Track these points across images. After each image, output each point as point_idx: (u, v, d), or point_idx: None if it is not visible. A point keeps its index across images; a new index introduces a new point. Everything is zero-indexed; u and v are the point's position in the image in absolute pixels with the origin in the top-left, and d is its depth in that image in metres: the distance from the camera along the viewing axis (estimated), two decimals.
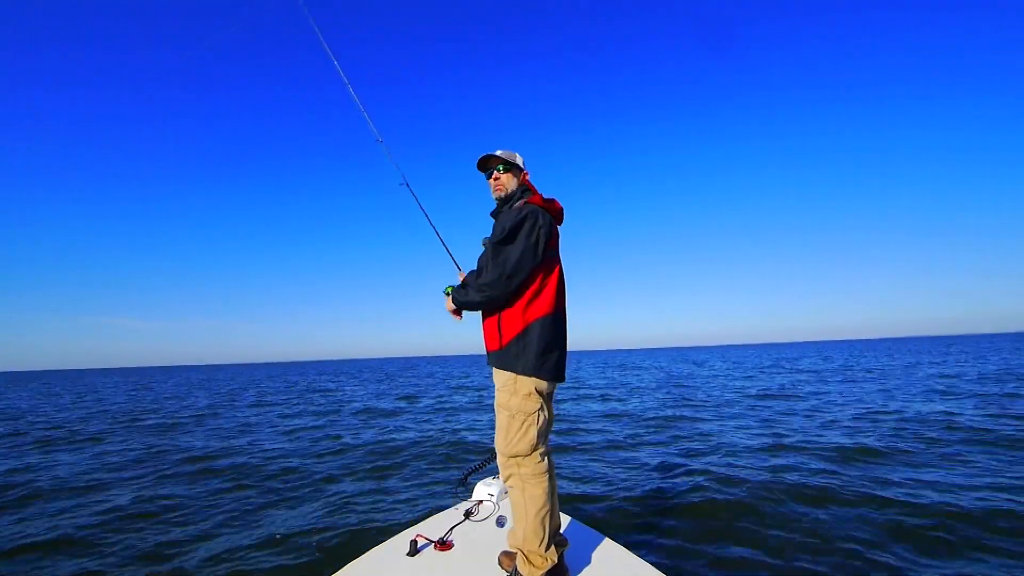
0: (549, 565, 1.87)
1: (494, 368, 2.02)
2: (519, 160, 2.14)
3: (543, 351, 1.93)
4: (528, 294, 1.95)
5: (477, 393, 15.95)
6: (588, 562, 2.07)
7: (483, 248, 2.10)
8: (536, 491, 1.90)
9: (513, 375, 1.93)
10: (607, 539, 2.27)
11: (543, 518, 1.89)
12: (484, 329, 2.07)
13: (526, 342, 1.92)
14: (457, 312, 2.11)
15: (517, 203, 2.04)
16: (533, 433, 1.91)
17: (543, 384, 1.94)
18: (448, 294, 2.16)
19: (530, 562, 1.87)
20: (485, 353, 2.10)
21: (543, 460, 1.94)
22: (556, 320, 1.99)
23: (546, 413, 1.97)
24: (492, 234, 2.02)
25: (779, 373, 20.27)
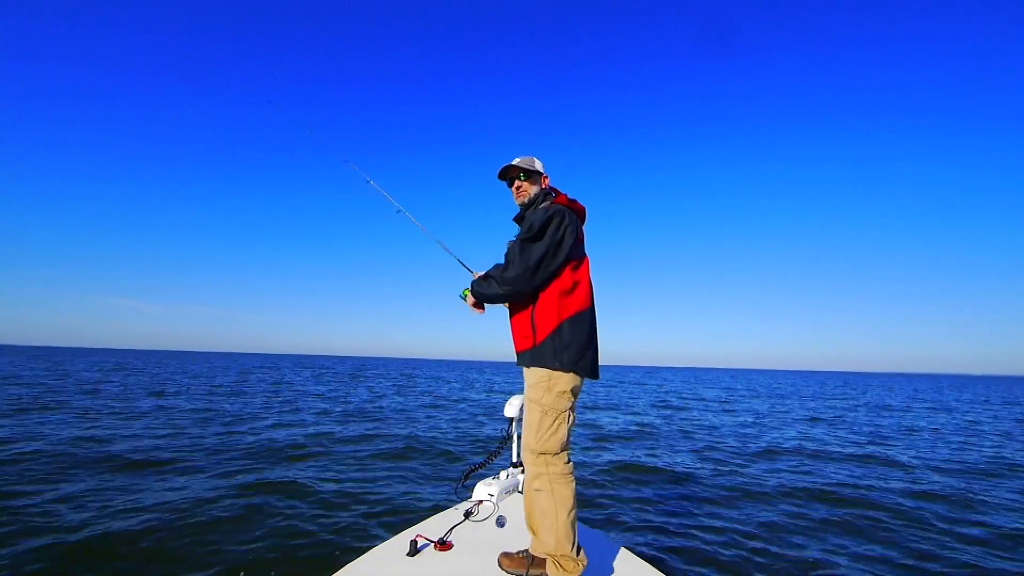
0: (581, 569, 1.86)
1: (525, 367, 2.01)
2: (538, 165, 2.19)
3: (581, 347, 1.95)
4: (560, 290, 1.97)
5: (479, 394, 15.92)
6: (593, 565, 2.06)
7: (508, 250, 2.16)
8: (566, 492, 1.89)
9: (548, 371, 1.93)
10: (612, 540, 2.26)
11: (573, 520, 1.89)
12: (514, 328, 2.08)
13: (562, 338, 1.93)
14: (479, 305, 2.14)
15: (543, 204, 2.12)
16: (564, 431, 1.92)
17: (578, 381, 1.96)
18: (465, 297, 2.19)
19: (562, 567, 1.85)
20: (515, 354, 2.08)
21: (570, 461, 1.95)
22: (590, 316, 2.03)
23: (574, 413, 2.00)
24: (520, 232, 2.06)
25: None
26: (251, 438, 7.75)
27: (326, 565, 3.04)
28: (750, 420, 11.81)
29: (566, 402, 1.93)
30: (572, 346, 1.93)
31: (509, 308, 2.14)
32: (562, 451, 1.92)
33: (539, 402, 1.93)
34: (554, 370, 1.91)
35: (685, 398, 19.21)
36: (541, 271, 1.93)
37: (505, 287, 1.97)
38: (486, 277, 2.07)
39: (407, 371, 43.41)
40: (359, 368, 51.29)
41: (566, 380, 1.92)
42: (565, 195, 2.15)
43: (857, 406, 17.56)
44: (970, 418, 13.95)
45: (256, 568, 3.12)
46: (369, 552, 2.19)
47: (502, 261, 2.25)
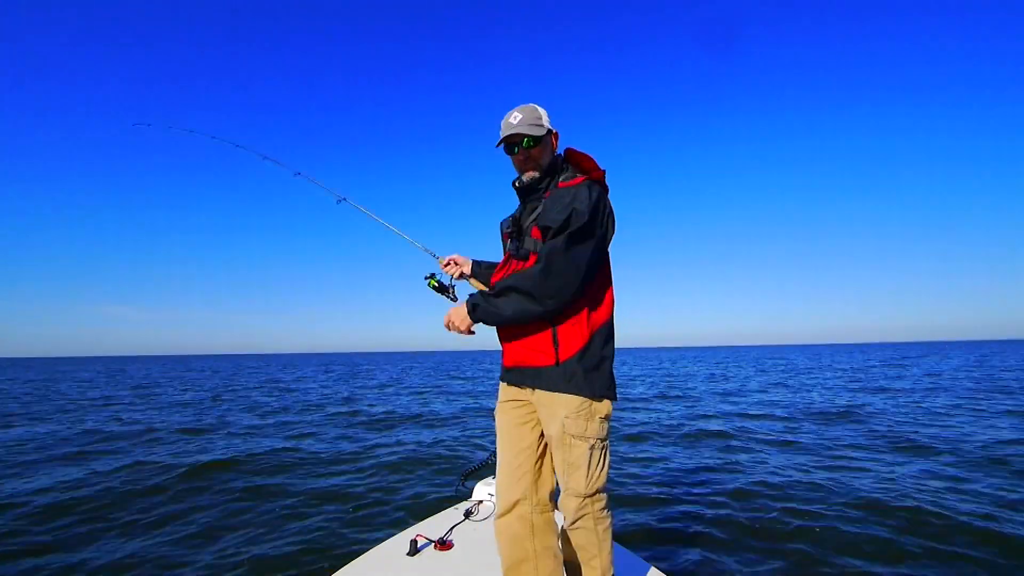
0: None
1: (542, 391, 1.56)
2: (545, 119, 1.61)
3: (609, 367, 1.58)
4: (590, 294, 1.55)
5: (481, 386, 15.94)
6: None
7: (502, 233, 1.76)
8: (607, 524, 1.60)
9: (587, 400, 1.52)
10: (621, 548, 2.26)
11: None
12: (519, 338, 1.58)
13: (592, 357, 1.53)
14: (470, 329, 1.59)
15: (567, 176, 1.59)
16: (609, 462, 1.60)
17: (611, 407, 1.60)
18: (438, 287, 1.89)
19: None
20: (510, 368, 1.65)
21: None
22: (614, 325, 1.63)
23: None
24: (552, 219, 1.46)
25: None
26: (242, 437, 7.78)
27: (326, 565, 3.06)
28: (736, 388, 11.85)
29: (607, 428, 1.58)
30: (603, 366, 1.55)
31: None
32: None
33: (584, 436, 1.52)
34: (592, 398, 1.53)
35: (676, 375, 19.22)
36: (588, 277, 1.49)
37: (547, 302, 1.42)
38: (504, 291, 1.47)
39: (406, 364, 43.36)
40: (356, 364, 51.34)
41: (606, 407, 1.57)
42: (596, 162, 1.58)
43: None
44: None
45: (255, 569, 3.12)
46: (369, 552, 2.20)
47: (494, 252, 1.87)
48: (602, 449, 1.57)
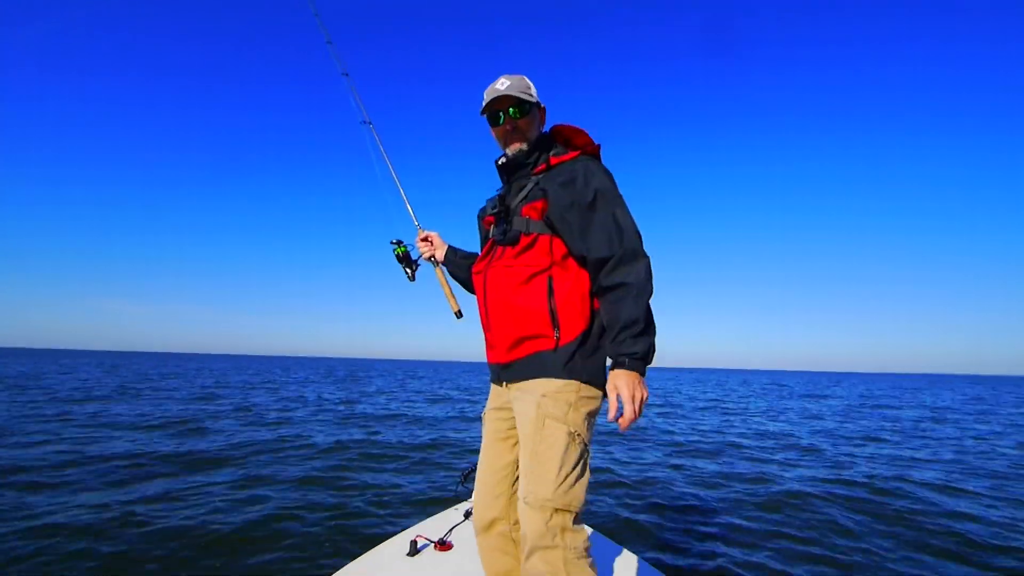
0: None
1: (524, 381, 1.36)
2: (534, 91, 1.46)
3: (605, 356, 1.35)
4: (584, 270, 1.36)
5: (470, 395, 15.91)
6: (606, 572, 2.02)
7: (482, 220, 1.64)
8: (582, 568, 1.22)
9: (576, 382, 1.30)
10: (624, 550, 2.22)
11: None
12: (507, 322, 1.37)
13: (593, 341, 1.34)
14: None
15: (560, 152, 1.44)
16: (588, 476, 1.27)
17: (599, 404, 1.35)
18: (404, 257, 1.79)
19: None
20: (493, 366, 1.48)
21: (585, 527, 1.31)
22: None
23: None
24: (564, 194, 1.33)
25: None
26: (238, 435, 7.73)
27: (326, 565, 3.02)
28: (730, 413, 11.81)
29: (591, 427, 1.32)
30: (598, 353, 1.34)
31: (487, 293, 1.43)
32: (582, 507, 1.25)
33: (565, 420, 1.25)
34: (585, 382, 1.31)
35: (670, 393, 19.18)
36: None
37: (651, 282, 1.29)
38: (649, 312, 1.26)
39: (407, 370, 43.36)
40: (356, 369, 51.38)
41: (595, 396, 1.33)
42: (590, 136, 1.46)
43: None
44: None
45: (255, 569, 3.08)
46: (369, 552, 2.17)
47: (476, 243, 1.73)
48: (582, 448, 1.26)
